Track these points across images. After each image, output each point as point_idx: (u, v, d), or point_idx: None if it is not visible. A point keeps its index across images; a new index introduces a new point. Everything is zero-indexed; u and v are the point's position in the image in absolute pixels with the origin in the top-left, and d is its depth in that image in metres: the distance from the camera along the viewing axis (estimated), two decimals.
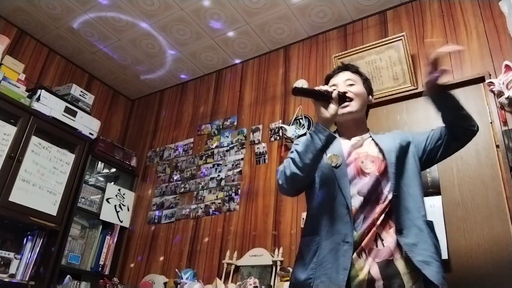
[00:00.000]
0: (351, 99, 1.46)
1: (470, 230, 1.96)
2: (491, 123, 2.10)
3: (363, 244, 1.27)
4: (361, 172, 1.38)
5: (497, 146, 2.03)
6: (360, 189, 1.35)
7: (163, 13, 3.01)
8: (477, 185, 2.03)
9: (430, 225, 1.34)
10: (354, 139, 1.49)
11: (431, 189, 2.12)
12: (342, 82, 1.51)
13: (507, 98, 2.00)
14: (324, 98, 1.34)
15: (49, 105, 2.90)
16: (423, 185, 1.44)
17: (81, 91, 3.25)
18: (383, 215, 1.30)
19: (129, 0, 2.92)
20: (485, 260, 1.87)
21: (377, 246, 1.27)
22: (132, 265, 3.17)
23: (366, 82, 1.58)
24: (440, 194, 2.08)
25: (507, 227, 1.87)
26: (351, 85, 1.50)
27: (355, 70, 1.58)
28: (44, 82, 3.27)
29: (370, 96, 1.58)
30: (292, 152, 1.39)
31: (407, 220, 1.30)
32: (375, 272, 1.23)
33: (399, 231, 1.27)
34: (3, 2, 3.04)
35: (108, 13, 3.07)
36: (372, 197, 1.33)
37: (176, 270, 2.78)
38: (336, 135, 1.46)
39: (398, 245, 1.26)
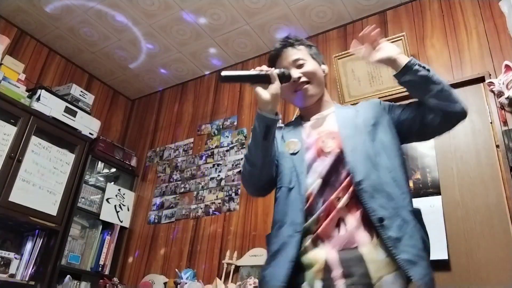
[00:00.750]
0: (308, 82, 1.32)
1: (470, 230, 1.96)
2: (491, 123, 2.10)
3: (319, 231, 1.12)
4: (321, 153, 1.23)
5: (497, 146, 2.03)
6: (320, 172, 1.19)
7: (163, 13, 3.01)
8: (477, 185, 2.02)
9: (417, 214, 1.16)
10: (314, 118, 1.35)
11: (431, 189, 2.12)
12: (291, 64, 1.34)
13: (507, 98, 2.00)
14: (261, 80, 1.21)
15: (49, 105, 2.90)
16: (406, 165, 1.27)
17: (81, 91, 3.25)
18: (345, 197, 1.14)
19: (129, 0, 2.92)
20: (485, 260, 1.87)
21: (339, 232, 1.12)
22: (130, 260, 3.17)
23: (313, 51, 1.40)
24: (440, 194, 2.08)
25: (507, 227, 1.87)
26: (302, 64, 1.34)
27: (298, 42, 1.39)
28: (44, 82, 3.26)
29: (323, 66, 1.41)
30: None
31: (386, 207, 1.10)
32: (333, 259, 1.07)
33: (378, 220, 1.08)
34: (3, 2, 3.04)
35: (108, 13, 3.06)
36: (331, 178, 1.18)
37: (176, 270, 2.78)
38: (298, 117, 1.39)
39: (367, 227, 1.10)
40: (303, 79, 1.32)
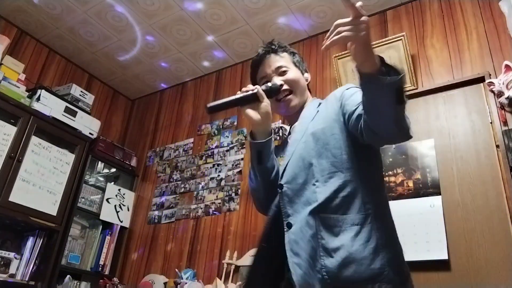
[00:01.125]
0: (291, 92, 1.27)
1: (470, 230, 1.96)
2: (491, 123, 2.10)
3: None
4: None
5: (497, 146, 2.03)
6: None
7: (163, 13, 3.01)
8: (477, 185, 2.02)
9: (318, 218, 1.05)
10: (294, 126, 1.31)
11: (431, 189, 2.12)
12: (273, 71, 1.30)
13: (507, 98, 2.00)
14: (249, 101, 1.17)
15: (49, 105, 2.90)
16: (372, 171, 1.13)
17: (81, 91, 3.25)
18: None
19: (129, 0, 2.93)
20: (485, 260, 1.87)
21: None
22: (133, 257, 3.17)
23: (296, 58, 1.36)
24: (440, 194, 2.08)
25: (507, 227, 1.87)
26: (284, 71, 1.29)
27: (281, 49, 1.34)
28: (44, 82, 3.26)
29: (306, 74, 1.37)
30: None
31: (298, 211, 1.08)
32: None
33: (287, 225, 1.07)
34: (3, 2, 3.04)
35: (108, 13, 3.06)
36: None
37: (176, 270, 2.78)
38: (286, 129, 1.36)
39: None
40: (285, 87, 1.28)
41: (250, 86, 1.20)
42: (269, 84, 1.25)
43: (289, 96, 1.28)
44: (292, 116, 1.33)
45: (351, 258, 0.97)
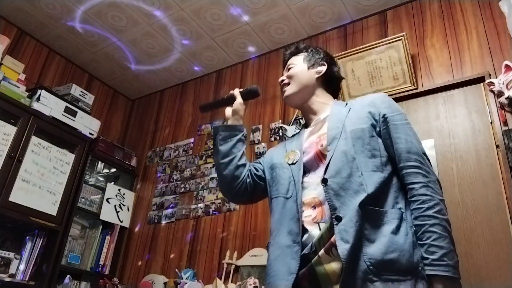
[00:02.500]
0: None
1: (470, 230, 1.96)
2: (491, 123, 2.10)
3: (332, 239, 1.06)
4: (321, 156, 1.21)
5: (497, 146, 2.03)
6: (320, 176, 1.17)
7: (163, 13, 3.01)
8: (477, 185, 2.03)
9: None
10: (313, 124, 1.36)
11: None
12: (285, 70, 1.46)
13: (507, 98, 2.00)
14: (230, 101, 1.42)
15: (49, 105, 2.90)
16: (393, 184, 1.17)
17: (81, 91, 3.25)
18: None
19: (130, 0, 2.92)
20: (485, 260, 1.87)
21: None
22: (134, 257, 3.17)
23: (308, 55, 1.43)
24: None
25: (507, 227, 1.87)
26: (289, 68, 1.43)
27: (294, 52, 1.46)
28: (44, 82, 3.27)
29: (318, 67, 1.40)
30: None
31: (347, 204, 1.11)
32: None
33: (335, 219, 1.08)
34: (3, 2, 3.04)
35: (108, 13, 3.07)
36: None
37: (176, 270, 2.78)
38: (295, 128, 1.46)
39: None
40: (285, 81, 1.42)
41: (236, 90, 1.43)
42: (250, 87, 1.44)
43: (285, 88, 1.41)
44: (306, 114, 1.42)
45: (394, 248, 1.02)
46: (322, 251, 1.07)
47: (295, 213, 1.17)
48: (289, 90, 1.39)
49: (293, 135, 1.47)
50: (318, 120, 1.34)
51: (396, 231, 1.05)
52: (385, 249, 1.01)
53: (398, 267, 1.00)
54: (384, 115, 1.22)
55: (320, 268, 1.06)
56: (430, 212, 1.08)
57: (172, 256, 2.97)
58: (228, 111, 1.40)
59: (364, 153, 1.15)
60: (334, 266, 1.04)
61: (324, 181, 1.14)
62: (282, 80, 1.42)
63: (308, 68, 1.40)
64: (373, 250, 1.01)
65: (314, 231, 1.12)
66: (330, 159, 1.17)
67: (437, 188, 1.15)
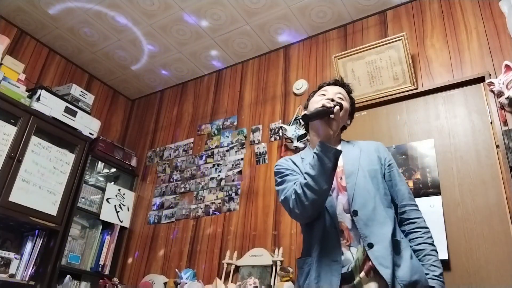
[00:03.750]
0: (341, 106, 1.41)
1: (470, 230, 1.96)
2: (491, 123, 2.10)
3: (370, 263, 1.26)
4: (342, 188, 1.40)
5: (497, 146, 2.03)
6: (344, 206, 1.37)
7: (163, 13, 3.01)
8: (477, 185, 2.02)
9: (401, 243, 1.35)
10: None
11: (431, 189, 2.12)
12: (333, 94, 1.52)
13: (507, 98, 2.00)
14: (326, 115, 1.32)
15: (49, 105, 2.90)
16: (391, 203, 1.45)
17: (81, 91, 3.25)
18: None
19: (129, 0, 2.93)
20: (485, 260, 1.87)
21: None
22: (134, 257, 3.17)
23: (352, 106, 1.61)
24: (440, 194, 2.08)
25: (507, 227, 1.87)
26: (340, 98, 1.51)
27: (348, 90, 1.60)
28: (44, 82, 3.27)
29: (349, 120, 1.60)
30: (302, 177, 1.35)
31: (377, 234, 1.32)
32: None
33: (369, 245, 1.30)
34: (3, 2, 3.04)
35: (108, 13, 3.07)
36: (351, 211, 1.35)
37: (176, 270, 2.78)
38: (310, 149, 1.51)
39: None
40: (339, 104, 1.40)
41: (327, 102, 1.37)
42: (335, 101, 1.41)
43: (335, 119, 1.38)
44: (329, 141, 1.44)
45: (415, 269, 1.28)
46: (362, 273, 1.26)
47: (334, 236, 1.33)
48: (335, 125, 1.35)
49: (299, 151, 1.56)
50: None
51: (411, 256, 1.31)
52: (410, 272, 1.26)
53: (423, 283, 1.27)
54: (389, 161, 1.50)
55: (360, 287, 1.27)
56: (430, 241, 1.39)
57: (172, 256, 2.97)
58: (333, 128, 1.32)
59: (379, 191, 1.39)
60: (372, 286, 1.25)
61: (355, 212, 1.33)
62: (333, 100, 1.42)
63: (349, 114, 1.57)
64: (402, 273, 1.25)
65: (348, 253, 1.31)
66: (354, 193, 1.36)
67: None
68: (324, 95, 1.52)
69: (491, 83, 2.10)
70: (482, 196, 1.99)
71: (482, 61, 2.27)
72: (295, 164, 1.50)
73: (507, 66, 2.03)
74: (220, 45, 3.30)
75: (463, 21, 2.44)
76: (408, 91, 2.43)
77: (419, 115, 2.35)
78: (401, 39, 2.45)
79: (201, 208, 2.98)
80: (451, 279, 1.90)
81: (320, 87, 1.62)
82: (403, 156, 2.28)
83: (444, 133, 2.23)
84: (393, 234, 1.32)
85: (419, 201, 2.09)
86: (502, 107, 2.06)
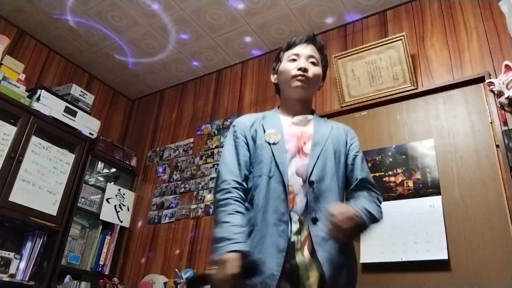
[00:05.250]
0: (306, 80, 1.40)
1: (470, 230, 1.95)
2: (491, 123, 2.10)
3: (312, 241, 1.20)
4: (301, 151, 1.33)
5: (497, 146, 2.03)
6: (298, 169, 1.29)
7: (163, 13, 3.01)
8: (477, 185, 2.02)
9: None
10: (297, 118, 1.43)
11: (431, 189, 2.12)
12: (305, 57, 1.45)
13: (507, 98, 2.00)
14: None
15: (49, 105, 2.90)
16: (344, 185, 1.38)
17: (81, 91, 3.24)
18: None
19: (129, 0, 2.93)
20: (485, 260, 1.87)
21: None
22: (134, 257, 3.17)
23: (325, 66, 1.54)
24: (440, 194, 2.08)
25: (507, 227, 1.87)
26: (313, 63, 1.45)
27: (320, 47, 1.51)
28: (44, 82, 3.26)
29: (322, 82, 1.54)
30: None
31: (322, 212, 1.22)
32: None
33: (313, 221, 1.21)
34: (3, 2, 3.04)
35: (108, 12, 3.07)
36: (307, 178, 1.28)
37: (176, 270, 2.78)
38: (278, 111, 1.47)
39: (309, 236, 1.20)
40: (309, 76, 1.41)
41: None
42: (302, 66, 1.41)
43: (304, 83, 1.41)
44: (295, 107, 1.45)
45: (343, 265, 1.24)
46: (306, 252, 1.19)
47: (280, 194, 1.24)
48: (307, 86, 1.41)
49: (265, 115, 1.46)
50: (305, 118, 1.44)
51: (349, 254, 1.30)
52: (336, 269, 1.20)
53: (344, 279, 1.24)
54: (355, 147, 1.43)
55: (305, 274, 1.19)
56: (372, 199, 1.36)
57: (172, 256, 2.97)
58: None
59: (338, 173, 1.33)
60: (314, 275, 1.17)
61: (311, 183, 1.26)
62: (306, 70, 1.40)
63: (322, 79, 1.51)
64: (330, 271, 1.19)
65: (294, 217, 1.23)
66: (315, 163, 1.29)
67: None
68: (295, 60, 1.44)
69: (491, 83, 2.10)
70: (482, 196, 1.99)
71: (482, 61, 2.27)
72: (251, 126, 1.40)
73: (507, 66, 2.04)
74: (220, 45, 3.29)
75: (463, 21, 2.44)
76: (408, 91, 2.43)
77: (419, 115, 2.35)
78: (401, 39, 2.45)
79: (201, 208, 2.98)
80: (451, 279, 1.90)
81: (290, 46, 1.50)
82: (403, 156, 2.28)
83: (444, 133, 2.23)
84: None
85: (419, 201, 2.11)
86: (502, 107, 2.06)
